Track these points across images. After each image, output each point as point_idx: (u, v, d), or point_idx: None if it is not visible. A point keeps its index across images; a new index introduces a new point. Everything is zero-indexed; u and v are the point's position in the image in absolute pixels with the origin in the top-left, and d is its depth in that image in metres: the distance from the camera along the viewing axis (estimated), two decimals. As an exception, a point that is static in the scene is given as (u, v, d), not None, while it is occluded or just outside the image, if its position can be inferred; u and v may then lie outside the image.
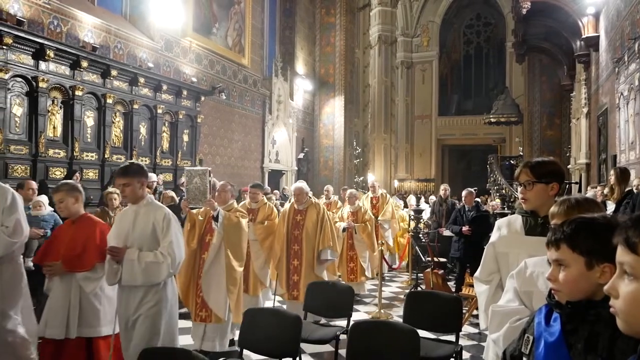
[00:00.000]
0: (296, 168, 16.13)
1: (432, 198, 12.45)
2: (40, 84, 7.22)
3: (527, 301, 1.77)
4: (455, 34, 27.19)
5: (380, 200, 8.40)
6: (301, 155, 16.39)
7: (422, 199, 14.12)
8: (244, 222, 4.42)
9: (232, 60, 12.88)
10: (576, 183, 13.30)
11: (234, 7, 12.86)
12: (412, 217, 8.78)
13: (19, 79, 7.09)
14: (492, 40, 26.65)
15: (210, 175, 4.17)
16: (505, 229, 2.27)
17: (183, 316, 4.71)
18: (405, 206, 10.84)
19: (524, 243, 2.14)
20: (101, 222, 3.37)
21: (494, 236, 2.33)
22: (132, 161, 3.89)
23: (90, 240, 3.17)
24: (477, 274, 2.33)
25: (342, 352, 3.84)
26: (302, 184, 5.74)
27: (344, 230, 6.81)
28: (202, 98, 11.14)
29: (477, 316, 5.72)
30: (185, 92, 10.38)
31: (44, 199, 5.61)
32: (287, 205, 5.96)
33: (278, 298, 5.67)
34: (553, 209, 1.70)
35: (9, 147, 6.91)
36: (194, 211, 4.47)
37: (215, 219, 4.24)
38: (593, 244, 1.20)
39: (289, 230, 5.51)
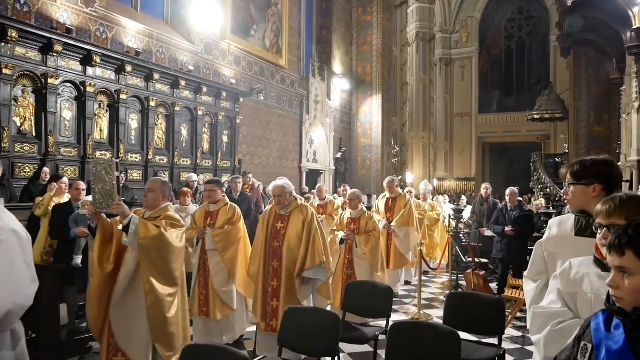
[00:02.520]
0: (334, 168, 16.17)
1: (464, 199, 12.48)
2: (88, 89, 7.53)
3: (572, 303, 1.71)
4: (495, 28, 26.45)
5: (397, 202, 7.03)
6: (339, 155, 16.41)
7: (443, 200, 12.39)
8: (174, 234, 3.31)
9: (270, 62, 13.02)
10: (627, 181, 12.68)
11: (271, 9, 12.99)
12: (452, 217, 8.62)
13: (68, 85, 7.42)
14: (534, 34, 25.77)
15: (117, 169, 3.07)
16: (556, 228, 2.22)
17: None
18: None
19: (572, 244, 2.07)
20: None
21: (545, 235, 2.29)
22: None
23: None
24: (526, 272, 2.29)
25: (381, 352, 3.82)
26: (282, 181, 4.35)
27: (341, 242, 5.38)
28: (241, 99, 11.31)
29: (520, 319, 5.58)
30: (224, 94, 10.57)
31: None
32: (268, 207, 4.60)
33: (253, 327, 4.42)
34: (597, 207, 1.66)
35: (59, 149, 7.24)
36: (116, 218, 3.29)
37: (126, 229, 3.16)
38: None
39: (268, 241, 4.29)
